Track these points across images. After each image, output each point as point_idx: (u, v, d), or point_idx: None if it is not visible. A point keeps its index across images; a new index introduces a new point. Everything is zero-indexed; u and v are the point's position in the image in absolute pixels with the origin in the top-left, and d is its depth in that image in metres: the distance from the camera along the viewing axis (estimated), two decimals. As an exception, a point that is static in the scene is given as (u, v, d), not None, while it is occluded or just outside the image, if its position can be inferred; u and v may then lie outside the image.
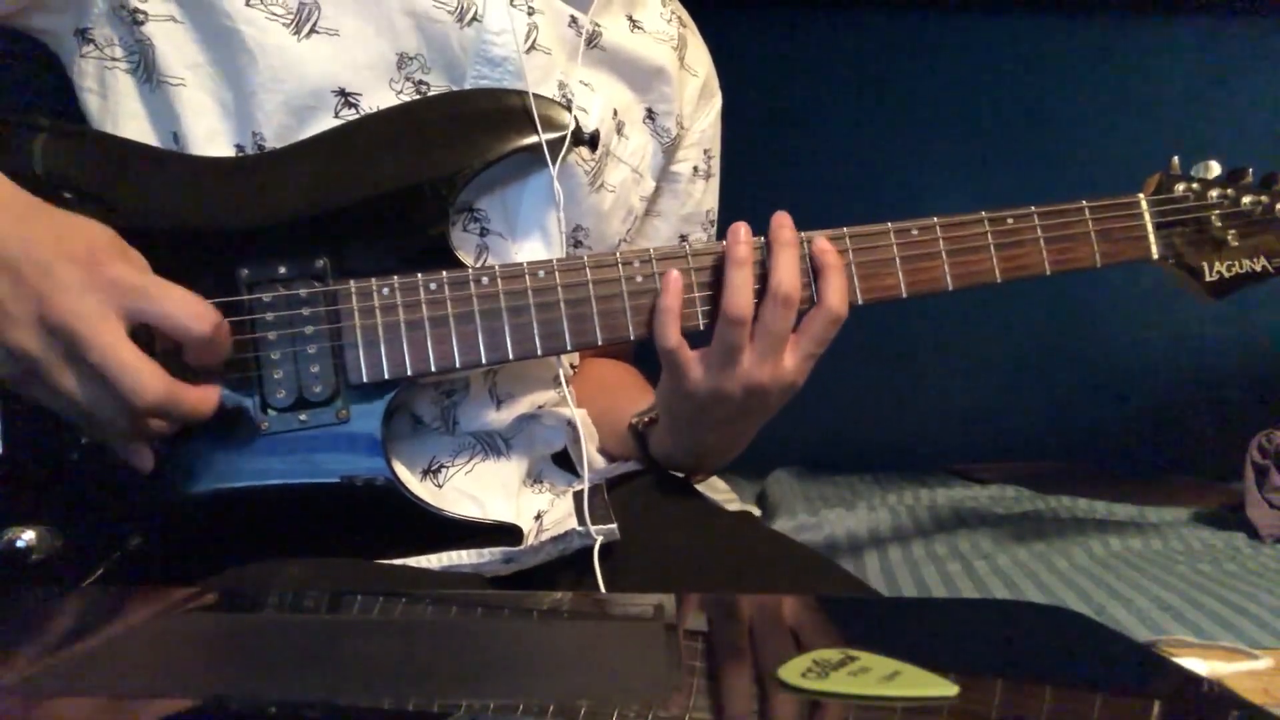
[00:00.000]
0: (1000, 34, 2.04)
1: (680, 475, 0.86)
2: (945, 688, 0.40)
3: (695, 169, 0.91)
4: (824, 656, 0.42)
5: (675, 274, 0.71)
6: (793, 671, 0.41)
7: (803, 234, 0.72)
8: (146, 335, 0.61)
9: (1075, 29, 2.03)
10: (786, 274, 0.70)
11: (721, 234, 0.74)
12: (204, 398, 0.63)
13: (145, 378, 0.59)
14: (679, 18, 0.88)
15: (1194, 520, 1.40)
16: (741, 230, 0.71)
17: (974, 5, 2.03)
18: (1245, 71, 1.99)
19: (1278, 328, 1.98)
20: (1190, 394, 2.00)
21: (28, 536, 0.64)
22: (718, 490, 1.35)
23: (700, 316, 0.72)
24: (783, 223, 0.72)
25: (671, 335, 0.70)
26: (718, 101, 0.93)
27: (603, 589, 0.69)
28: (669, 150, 0.87)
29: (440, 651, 0.48)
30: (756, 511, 1.49)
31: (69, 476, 0.65)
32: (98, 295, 0.58)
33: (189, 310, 0.61)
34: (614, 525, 0.71)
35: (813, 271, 0.72)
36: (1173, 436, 1.97)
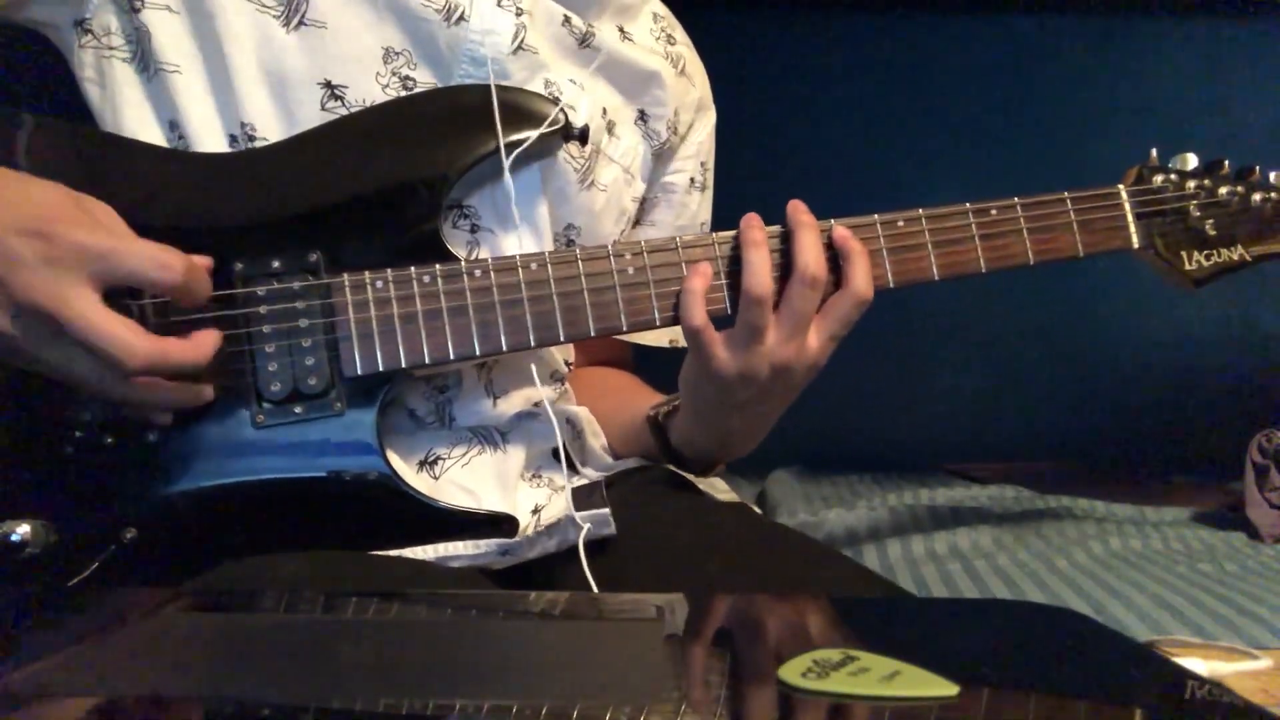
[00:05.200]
0: (999, 34, 2.04)
1: (690, 475, 0.86)
2: (945, 688, 0.40)
3: (692, 180, 0.91)
4: (824, 656, 0.42)
5: (704, 262, 0.72)
6: (793, 671, 0.41)
7: (820, 222, 0.73)
8: (131, 290, 0.62)
9: (1074, 29, 2.03)
10: (812, 255, 0.71)
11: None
12: (195, 346, 0.63)
13: (128, 341, 0.58)
14: (669, 35, 0.88)
15: (1194, 520, 1.40)
16: (754, 218, 0.73)
17: (973, 5, 2.02)
18: (1245, 71, 1.99)
19: (1278, 328, 1.98)
20: (1190, 394, 1.99)
21: (23, 530, 0.64)
22: (718, 490, 1.34)
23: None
24: (800, 208, 0.73)
25: (697, 315, 0.71)
26: (713, 116, 0.94)
27: (589, 578, 0.68)
28: (660, 154, 0.87)
29: (437, 652, 0.48)
30: (757, 511, 1.48)
31: (64, 471, 0.66)
32: (61, 267, 0.57)
33: (154, 262, 0.60)
34: (607, 510, 0.72)
35: (837, 257, 0.73)
36: (1173, 436, 1.97)
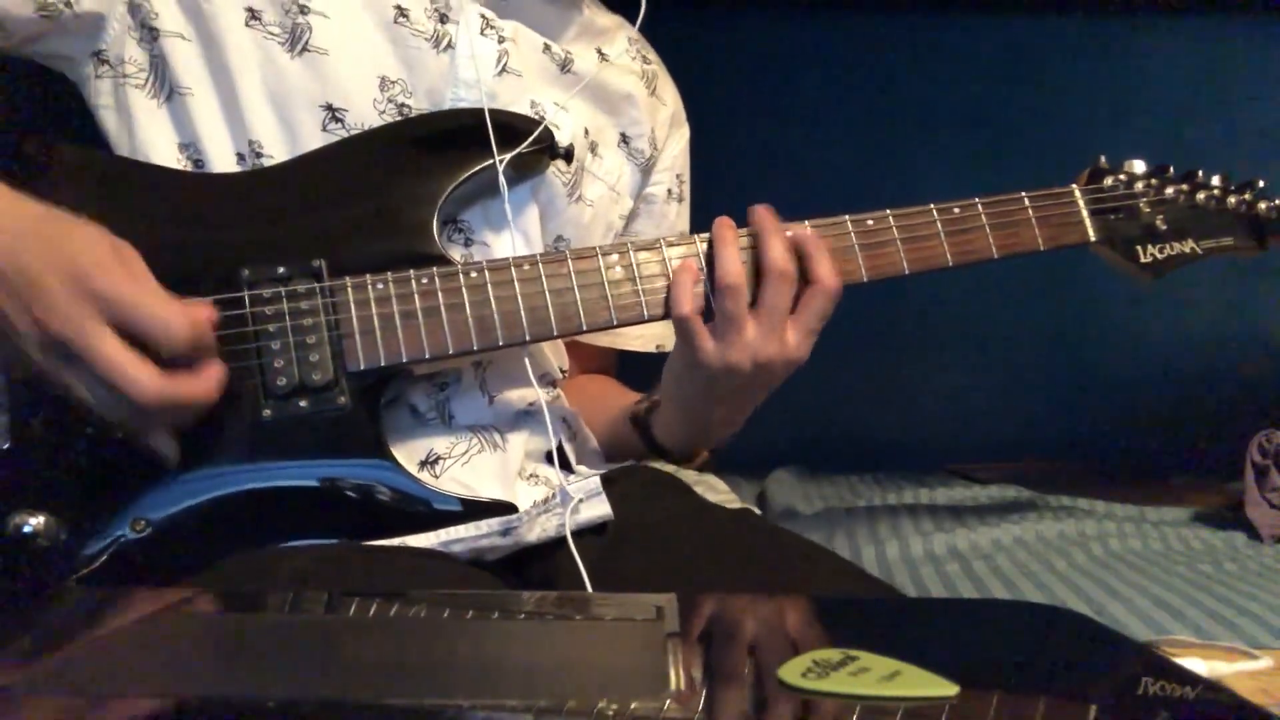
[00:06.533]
0: (1000, 34, 2.04)
1: (674, 468, 0.88)
2: (945, 688, 0.40)
3: (669, 192, 0.96)
4: (824, 656, 0.42)
5: (690, 259, 0.76)
6: (793, 671, 0.41)
7: (785, 225, 0.77)
8: None
9: (1074, 29, 2.03)
10: (778, 252, 0.75)
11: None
12: (205, 385, 0.65)
13: (143, 379, 0.62)
14: (644, 55, 0.94)
15: (1194, 520, 1.40)
16: (725, 220, 0.77)
17: (974, 5, 2.02)
18: (1245, 71, 1.98)
19: (1278, 327, 1.98)
20: (1190, 394, 1.99)
21: (34, 522, 0.66)
22: (718, 490, 1.34)
23: None
24: (761, 213, 0.77)
25: (685, 304, 0.75)
26: (686, 132, 0.99)
27: (577, 559, 0.70)
28: (645, 169, 0.92)
29: (437, 651, 0.48)
30: (757, 511, 1.48)
31: (75, 465, 0.68)
32: (85, 306, 0.61)
33: (162, 325, 0.63)
34: (596, 478, 0.76)
35: (801, 256, 0.77)
36: (1173, 436, 1.96)
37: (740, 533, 0.79)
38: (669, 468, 0.93)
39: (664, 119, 0.94)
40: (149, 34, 0.75)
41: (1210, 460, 1.71)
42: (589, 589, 0.69)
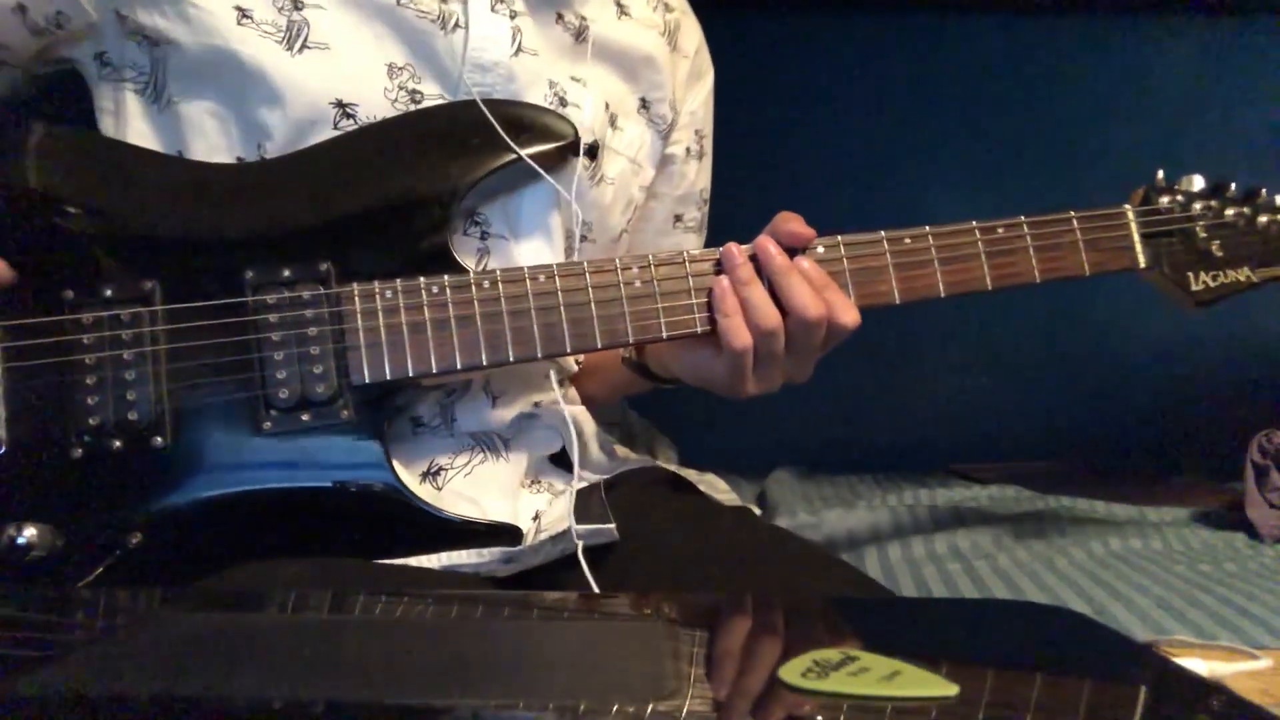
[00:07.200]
0: (1001, 35, 2.04)
1: (676, 467, 0.87)
2: (945, 688, 0.40)
3: (688, 150, 0.91)
4: (824, 656, 0.42)
5: (728, 291, 0.72)
6: (793, 671, 0.41)
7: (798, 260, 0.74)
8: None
9: (1077, 30, 2.03)
10: (808, 298, 0.71)
11: (717, 236, 0.76)
12: None
13: None
14: (665, 3, 0.88)
15: (1194, 520, 1.39)
16: (736, 253, 0.73)
17: (974, 5, 2.02)
18: (1245, 71, 1.98)
19: (1277, 328, 1.98)
20: (1190, 394, 1.99)
21: (29, 533, 0.65)
22: (718, 490, 1.34)
23: (698, 323, 0.73)
24: (769, 251, 0.73)
25: (740, 340, 0.71)
26: (708, 80, 0.93)
27: (591, 582, 0.69)
28: (665, 134, 0.87)
29: (440, 652, 0.48)
30: (757, 511, 1.48)
31: (71, 474, 0.66)
32: None
33: None
34: (612, 526, 0.73)
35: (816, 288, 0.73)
36: (1173, 436, 1.96)
37: (741, 533, 0.79)
38: (670, 467, 0.93)
39: (683, 75, 0.89)
40: (146, 40, 0.73)
41: (1210, 460, 1.71)
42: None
